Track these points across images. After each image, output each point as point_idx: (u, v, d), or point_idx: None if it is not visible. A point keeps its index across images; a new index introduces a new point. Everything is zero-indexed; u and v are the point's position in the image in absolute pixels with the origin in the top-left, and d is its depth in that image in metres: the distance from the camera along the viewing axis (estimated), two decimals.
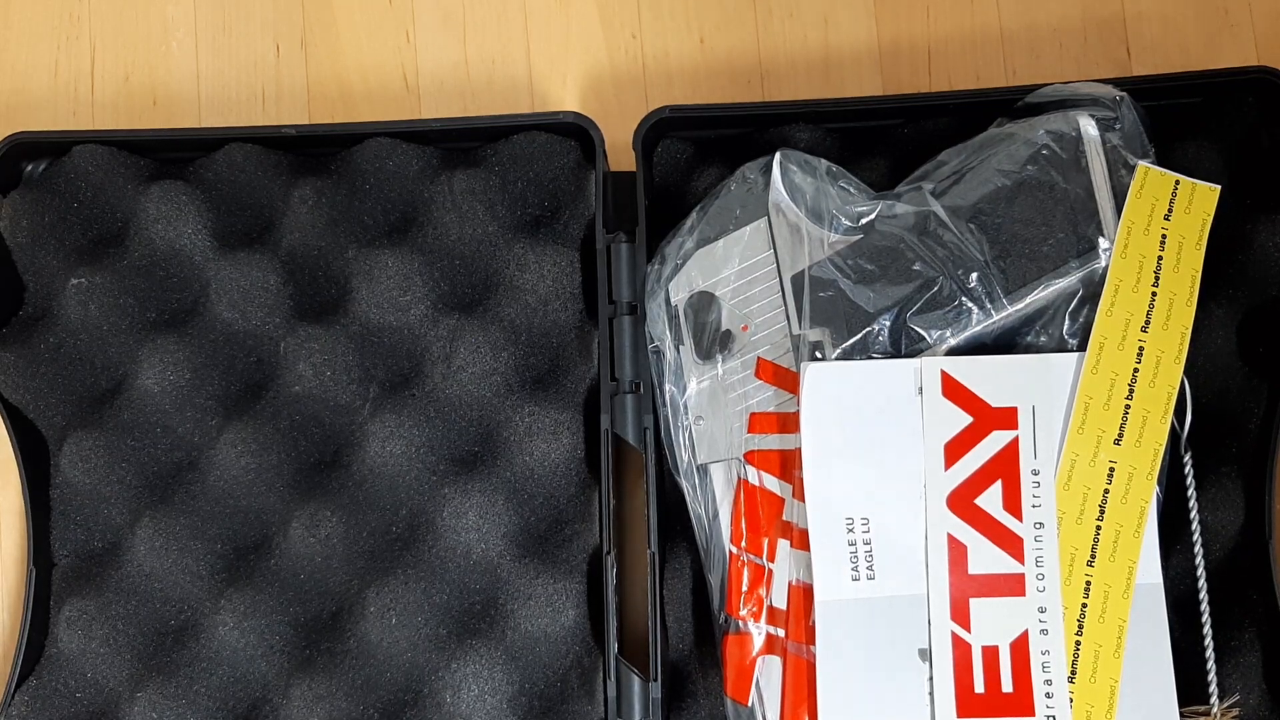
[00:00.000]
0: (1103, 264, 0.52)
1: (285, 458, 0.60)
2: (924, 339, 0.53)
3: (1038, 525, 0.51)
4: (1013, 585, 0.51)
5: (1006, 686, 0.51)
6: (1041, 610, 0.51)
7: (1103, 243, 0.52)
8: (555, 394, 0.59)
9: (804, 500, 0.52)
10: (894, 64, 0.65)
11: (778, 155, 0.55)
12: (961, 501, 0.52)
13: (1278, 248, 0.56)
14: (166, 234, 0.61)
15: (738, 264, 0.56)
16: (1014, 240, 0.53)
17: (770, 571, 0.54)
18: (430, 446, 0.59)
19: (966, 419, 0.52)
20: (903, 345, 0.53)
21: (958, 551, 0.52)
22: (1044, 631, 0.51)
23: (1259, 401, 0.56)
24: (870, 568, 0.52)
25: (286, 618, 0.58)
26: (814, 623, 0.52)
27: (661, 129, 0.59)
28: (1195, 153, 0.57)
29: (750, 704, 0.53)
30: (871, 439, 0.52)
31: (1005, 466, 0.52)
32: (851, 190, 0.55)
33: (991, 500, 0.52)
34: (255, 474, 0.59)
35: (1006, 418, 0.52)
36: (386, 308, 0.60)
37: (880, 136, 0.60)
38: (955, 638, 0.51)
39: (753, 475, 0.54)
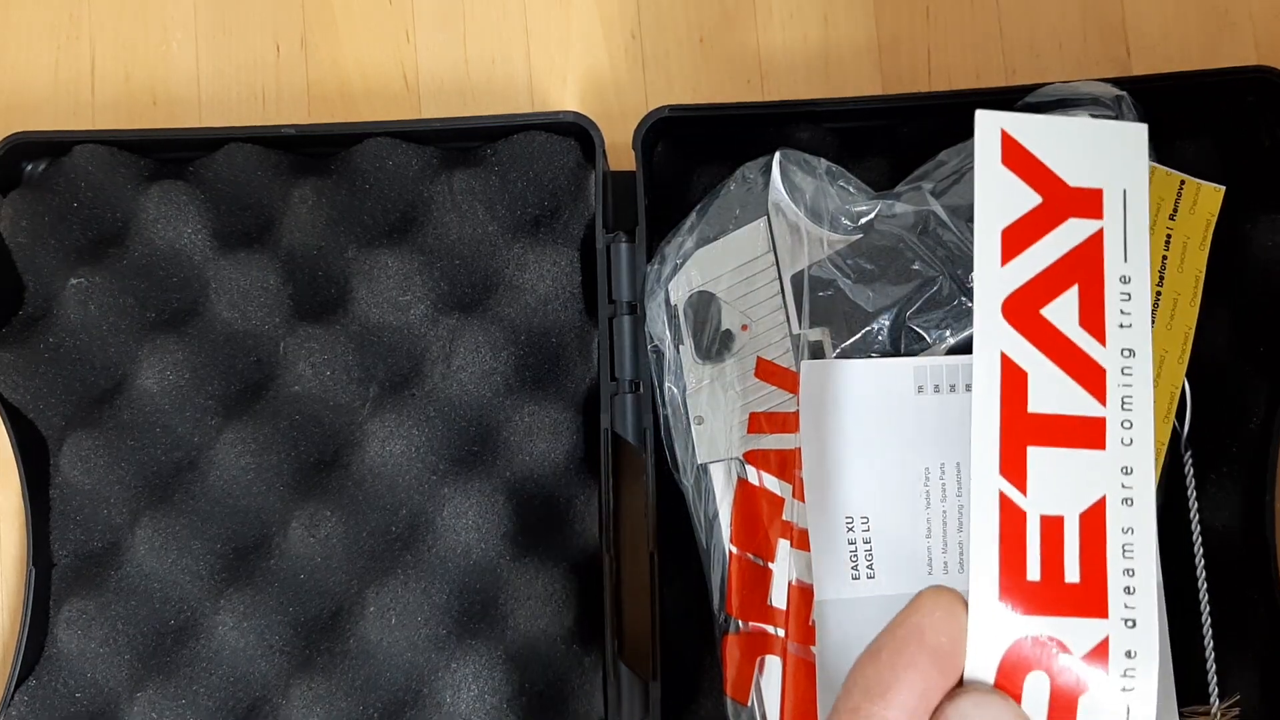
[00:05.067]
0: None
1: (285, 458, 0.60)
2: (924, 338, 0.53)
3: (1126, 353, 0.38)
4: (1088, 433, 0.37)
5: (1071, 575, 0.37)
6: (1126, 471, 0.37)
7: None
8: (555, 394, 0.59)
9: (804, 500, 0.52)
10: (894, 64, 0.65)
11: (777, 155, 0.55)
12: (1023, 310, 0.38)
13: (1278, 248, 0.56)
14: (166, 234, 0.61)
15: (737, 264, 0.56)
16: None
17: (770, 571, 0.54)
18: (430, 446, 0.59)
19: (1034, 198, 0.39)
20: (902, 345, 0.53)
21: (1014, 379, 0.37)
22: (1127, 501, 0.37)
23: (1259, 401, 0.56)
24: (870, 567, 0.52)
25: (286, 618, 0.58)
26: (814, 623, 0.52)
27: (661, 129, 0.59)
28: (1195, 152, 0.57)
29: (750, 704, 0.53)
30: (871, 438, 0.52)
31: (1085, 267, 0.39)
32: (851, 190, 0.55)
33: (1064, 312, 0.38)
34: (255, 474, 0.59)
35: (1089, 202, 0.39)
36: (386, 307, 0.60)
37: (880, 136, 0.60)
38: (1004, 500, 0.37)
39: (753, 475, 0.54)
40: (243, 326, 0.60)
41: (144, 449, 0.60)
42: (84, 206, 0.61)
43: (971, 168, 0.54)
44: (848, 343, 0.53)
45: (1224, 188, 0.54)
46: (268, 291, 0.60)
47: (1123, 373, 0.38)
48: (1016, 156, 0.39)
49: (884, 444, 0.52)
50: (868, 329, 0.53)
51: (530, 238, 0.60)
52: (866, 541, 0.52)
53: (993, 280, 0.38)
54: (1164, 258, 0.52)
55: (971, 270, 0.53)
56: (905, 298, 0.53)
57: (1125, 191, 0.39)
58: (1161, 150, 0.55)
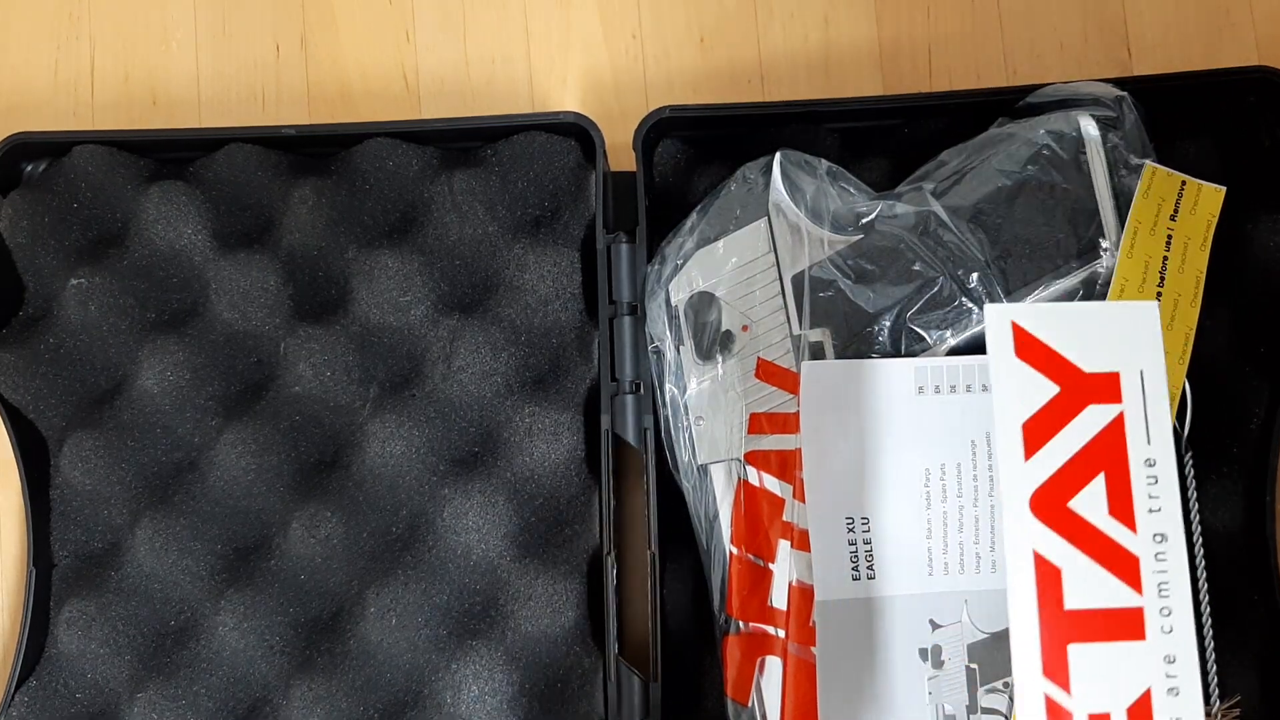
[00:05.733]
0: (1103, 264, 0.52)
1: (285, 458, 0.60)
2: (924, 339, 0.53)
3: (1159, 538, 0.39)
4: (1128, 624, 0.38)
5: None
6: (1169, 660, 0.38)
7: (1103, 243, 0.52)
8: (555, 394, 0.59)
9: (804, 500, 0.52)
10: (894, 64, 0.65)
11: (778, 155, 0.55)
12: (1050, 504, 0.39)
13: (1278, 248, 0.56)
14: (166, 234, 0.61)
15: (738, 264, 0.56)
16: (1014, 240, 0.53)
17: (771, 572, 0.54)
18: (430, 447, 0.59)
19: (1051, 389, 0.40)
20: (903, 345, 0.53)
21: (1049, 576, 0.38)
22: (1173, 691, 0.38)
23: (1259, 401, 0.56)
24: (870, 567, 0.52)
25: (286, 618, 0.58)
26: (814, 623, 0.52)
27: (661, 129, 0.59)
28: (1195, 152, 0.57)
29: (750, 704, 0.53)
30: (872, 438, 0.52)
31: (1109, 454, 0.39)
32: (851, 190, 0.55)
33: (1092, 502, 0.39)
34: (255, 474, 0.59)
35: (1106, 387, 0.40)
36: (386, 308, 0.60)
37: (880, 136, 0.60)
38: (1050, 703, 0.37)
39: (753, 476, 0.54)
40: (243, 327, 0.60)
41: (144, 449, 0.60)
42: (84, 207, 0.61)
43: (973, 168, 0.54)
44: (848, 344, 0.53)
45: (1224, 188, 0.54)
46: (268, 292, 0.60)
47: (1156, 559, 0.38)
48: (1029, 347, 0.40)
49: (884, 445, 0.52)
50: (868, 329, 0.53)
51: (531, 238, 0.60)
52: (867, 542, 0.52)
53: (1017, 477, 0.39)
54: (1165, 258, 0.52)
55: (973, 271, 0.53)
56: (906, 298, 0.53)
57: (1142, 373, 0.39)
58: (1162, 150, 0.55)
